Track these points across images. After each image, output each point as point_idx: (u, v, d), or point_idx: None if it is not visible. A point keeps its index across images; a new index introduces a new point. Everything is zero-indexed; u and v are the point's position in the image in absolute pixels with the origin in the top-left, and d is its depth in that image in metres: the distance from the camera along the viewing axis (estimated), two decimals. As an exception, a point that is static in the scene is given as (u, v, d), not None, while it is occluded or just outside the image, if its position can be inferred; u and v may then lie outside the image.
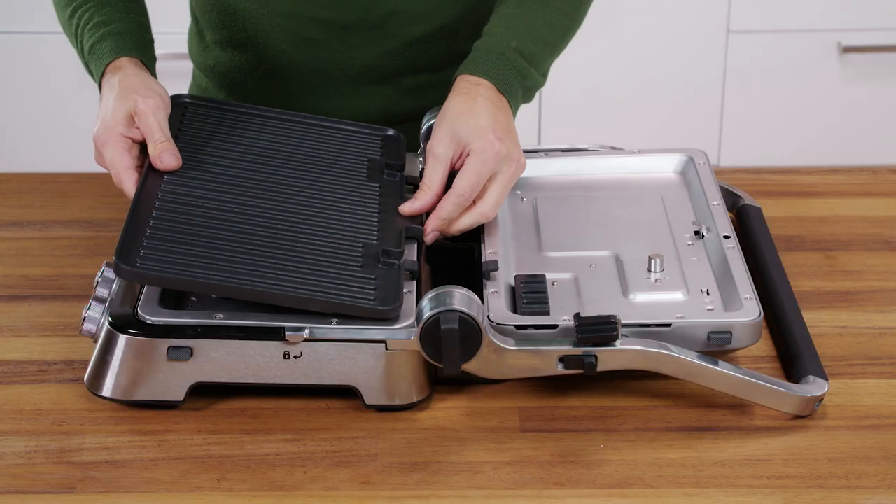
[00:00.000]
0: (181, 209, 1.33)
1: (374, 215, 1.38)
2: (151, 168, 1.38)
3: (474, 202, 1.38)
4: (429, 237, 1.37)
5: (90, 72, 1.48)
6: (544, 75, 1.50)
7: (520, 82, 1.46)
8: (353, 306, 1.26)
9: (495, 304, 1.31)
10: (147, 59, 1.48)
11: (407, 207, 1.39)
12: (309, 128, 1.49)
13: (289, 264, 1.29)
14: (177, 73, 2.81)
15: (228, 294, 1.26)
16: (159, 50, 3.07)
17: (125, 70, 1.44)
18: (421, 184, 1.40)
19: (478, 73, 1.44)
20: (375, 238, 1.34)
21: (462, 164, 1.38)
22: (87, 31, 1.48)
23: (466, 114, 1.40)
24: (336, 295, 1.26)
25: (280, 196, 1.38)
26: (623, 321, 1.28)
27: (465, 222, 1.38)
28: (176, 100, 1.48)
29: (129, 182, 1.37)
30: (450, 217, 1.37)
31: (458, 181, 1.37)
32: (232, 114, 1.49)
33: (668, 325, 1.29)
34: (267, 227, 1.33)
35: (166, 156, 1.38)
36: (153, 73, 1.48)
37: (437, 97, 1.53)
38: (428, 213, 1.39)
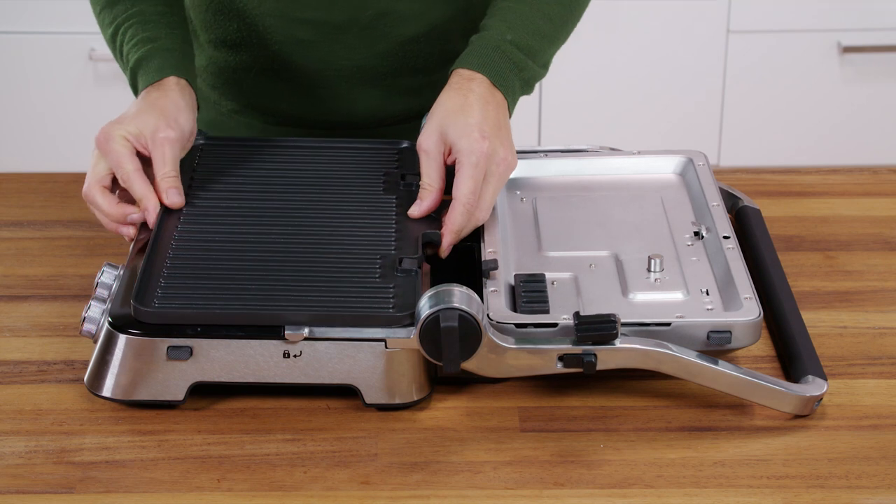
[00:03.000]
0: (198, 246, 1.35)
1: (391, 227, 1.38)
2: (167, 210, 1.39)
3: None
4: (445, 252, 1.37)
5: (135, 83, 1.49)
6: (545, 66, 1.50)
7: (516, 74, 1.45)
8: (371, 317, 1.26)
9: (495, 303, 1.31)
10: (190, 77, 1.48)
11: (416, 210, 1.39)
12: (323, 151, 1.51)
13: (307, 285, 1.29)
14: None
15: (246, 321, 1.26)
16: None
17: (167, 90, 1.45)
18: (421, 184, 1.40)
19: (472, 66, 1.44)
20: (393, 248, 1.35)
21: (455, 167, 1.38)
22: (133, 47, 1.49)
23: (456, 110, 1.40)
24: (354, 308, 1.27)
25: (297, 221, 1.39)
26: (623, 320, 1.28)
27: (465, 231, 1.38)
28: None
29: (139, 183, 1.38)
30: (462, 228, 1.37)
31: (460, 190, 1.36)
32: (246, 149, 1.51)
33: (668, 324, 1.29)
34: (284, 253, 1.34)
35: (172, 193, 1.39)
36: (194, 87, 1.48)
37: (431, 98, 1.54)
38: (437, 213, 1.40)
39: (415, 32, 1.59)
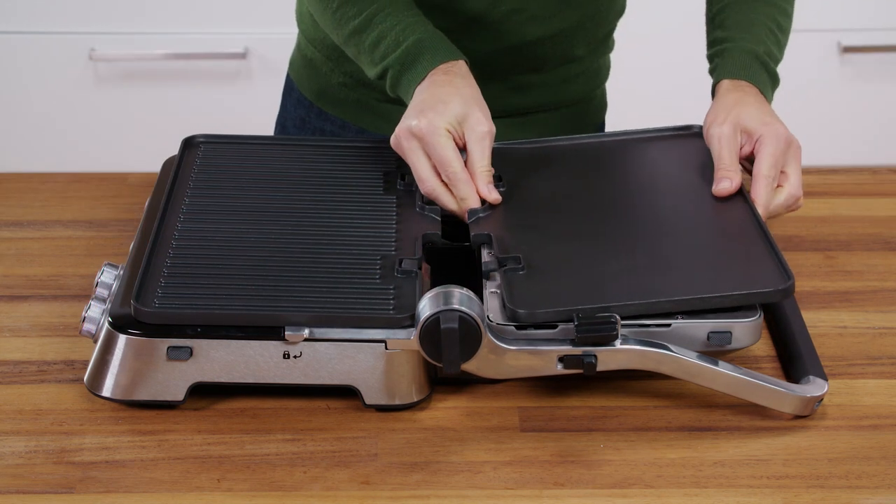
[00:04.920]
0: (198, 246, 1.35)
1: (391, 227, 1.38)
2: (167, 208, 1.39)
3: (779, 185, 1.42)
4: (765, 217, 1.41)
5: (409, 65, 1.46)
6: (779, 75, 1.57)
7: (770, 84, 1.53)
8: (371, 318, 1.26)
9: (495, 304, 1.31)
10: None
11: (723, 189, 1.41)
12: (323, 151, 1.52)
13: (307, 285, 1.29)
14: (175, 72, 2.81)
15: (246, 322, 1.26)
16: (159, 49, 3.08)
17: (465, 76, 1.44)
18: (721, 166, 1.43)
19: (741, 77, 1.51)
20: (394, 249, 1.35)
21: (756, 149, 1.43)
22: (405, 30, 1.47)
23: (745, 104, 1.46)
24: (354, 309, 1.27)
25: (297, 221, 1.39)
26: (623, 321, 1.27)
27: (779, 200, 1.42)
28: (190, 141, 1.51)
29: (465, 183, 1.39)
30: (768, 201, 1.41)
31: (762, 165, 1.42)
32: (246, 148, 1.52)
33: (668, 325, 1.29)
34: (284, 253, 1.34)
35: (493, 190, 1.40)
36: None
37: (539, 96, 1.55)
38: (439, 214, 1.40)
39: (542, 33, 1.60)
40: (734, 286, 1.28)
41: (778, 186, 1.42)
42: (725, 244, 1.36)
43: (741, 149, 1.45)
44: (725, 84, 1.51)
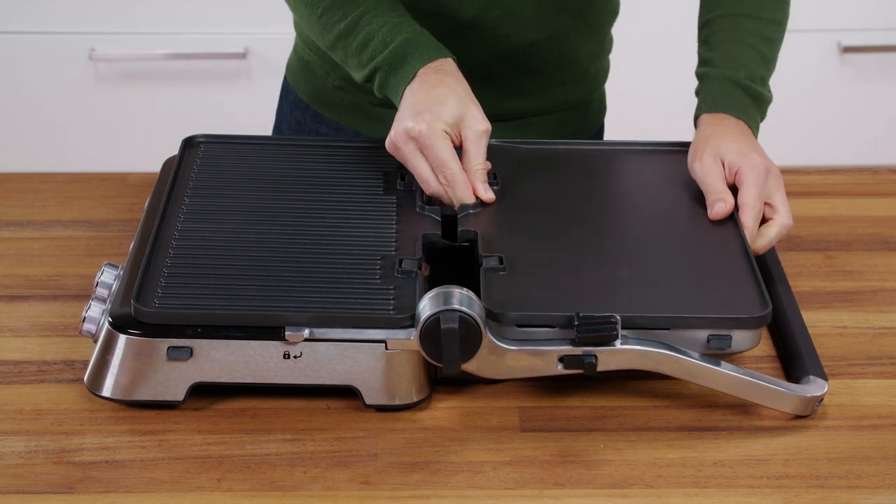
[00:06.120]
0: (198, 246, 1.35)
1: (391, 227, 1.38)
2: (167, 208, 1.39)
3: (769, 218, 1.42)
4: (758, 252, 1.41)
5: (398, 65, 1.45)
6: (770, 90, 1.55)
7: (756, 108, 1.51)
8: (371, 318, 1.26)
9: (495, 305, 1.31)
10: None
11: (719, 211, 1.41)
12: (324, 151, 1.51)
13: (308, 285, 1.29)
14: (175, 72, 2.81)
15: (246, 322, 1.26)
16: (159, 49, 3.08)
17: (456, 74, 1.44)
18: (711, 192, 1.42)
19: (718, 109, 1.50)
20: (394, 249, 1.35)
21: (738, 180, 1.42)
22: (392, 30, 1.46)
23: (724, 137, 1.46)
24: (354, 309, 1.27)
25: (297, 221, 1.39)
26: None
27: (771, 234, 1.41)
28: (190, 141, 1.51)
29: (463, 185, 1.39)
30: (754, 230, 1.40)
31: (747, 195, 1.41)
32: (246, 148, 1.52)
33: (668, 328, 1.29)
34: (284, 253, 1.34)
35: (489, 188, 1.41)
36: None
37: (536, 100, 1.55)
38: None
39: (536, 37, 1.60)
40: (710, 309, 1.28)
41: (769, 220, 1.42)
42: (709, 266, 1.35)
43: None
44: (704, 119, 1.51)
